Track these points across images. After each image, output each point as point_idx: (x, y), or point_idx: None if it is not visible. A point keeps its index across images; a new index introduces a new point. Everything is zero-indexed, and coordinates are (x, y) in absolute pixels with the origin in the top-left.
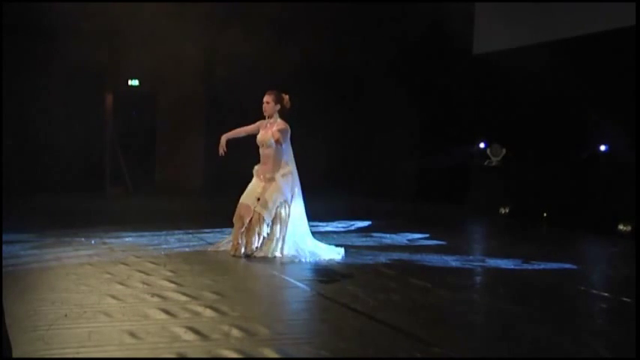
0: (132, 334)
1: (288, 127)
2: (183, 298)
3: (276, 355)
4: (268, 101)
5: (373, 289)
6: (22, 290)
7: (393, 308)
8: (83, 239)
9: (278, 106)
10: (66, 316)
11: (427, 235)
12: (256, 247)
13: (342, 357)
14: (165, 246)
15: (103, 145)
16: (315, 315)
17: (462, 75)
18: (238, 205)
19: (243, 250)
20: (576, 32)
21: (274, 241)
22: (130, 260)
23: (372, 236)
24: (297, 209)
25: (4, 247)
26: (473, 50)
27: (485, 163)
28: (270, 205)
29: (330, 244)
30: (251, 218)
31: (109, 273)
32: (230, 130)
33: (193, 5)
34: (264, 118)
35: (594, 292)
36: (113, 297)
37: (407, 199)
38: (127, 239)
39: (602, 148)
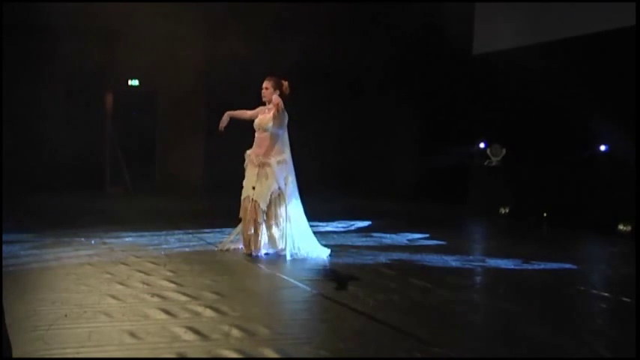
0: (132, 334)
1: (286, 114)
2: (183, 298)
3: (276, 355)
4: (267, 87)
5: (373, 289)
6: (22, 290)
7: (393, 308)
8: (83, 239)
9: (277, 92)
10: (66, 316)
11: (427, 235)
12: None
13: (342, 357)
14: (165, 246)
15: (103, 145)
16: (315, 315)
17: (461, 75)
18: (242, 201)
19: (253, 246)
20: (576, 32)
21: (277, 239)
22: (130, 260)
23: (372, 236)
24: (297, 209)
25: (4, 247)
26: (472, 50)
27: (485, 163)
28: (265, 192)
29: (329, 244)
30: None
31: (109, 273)
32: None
33: (193, 5)
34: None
35: (594, 292)
36: (113, 297)
37: (407, 199)
38: (127, 239)
39: (602, 148)
